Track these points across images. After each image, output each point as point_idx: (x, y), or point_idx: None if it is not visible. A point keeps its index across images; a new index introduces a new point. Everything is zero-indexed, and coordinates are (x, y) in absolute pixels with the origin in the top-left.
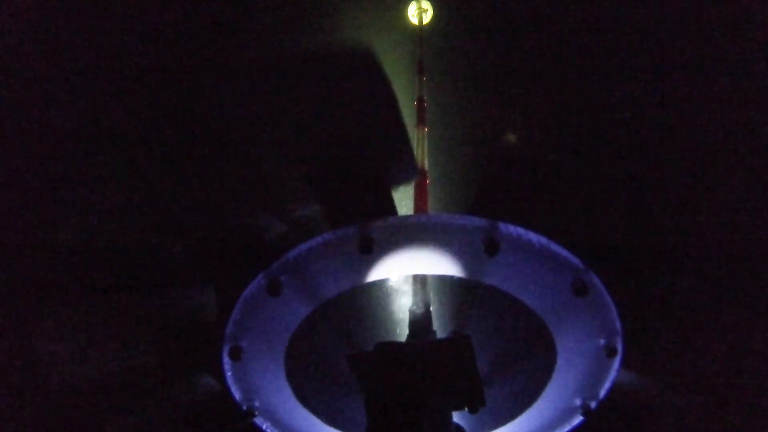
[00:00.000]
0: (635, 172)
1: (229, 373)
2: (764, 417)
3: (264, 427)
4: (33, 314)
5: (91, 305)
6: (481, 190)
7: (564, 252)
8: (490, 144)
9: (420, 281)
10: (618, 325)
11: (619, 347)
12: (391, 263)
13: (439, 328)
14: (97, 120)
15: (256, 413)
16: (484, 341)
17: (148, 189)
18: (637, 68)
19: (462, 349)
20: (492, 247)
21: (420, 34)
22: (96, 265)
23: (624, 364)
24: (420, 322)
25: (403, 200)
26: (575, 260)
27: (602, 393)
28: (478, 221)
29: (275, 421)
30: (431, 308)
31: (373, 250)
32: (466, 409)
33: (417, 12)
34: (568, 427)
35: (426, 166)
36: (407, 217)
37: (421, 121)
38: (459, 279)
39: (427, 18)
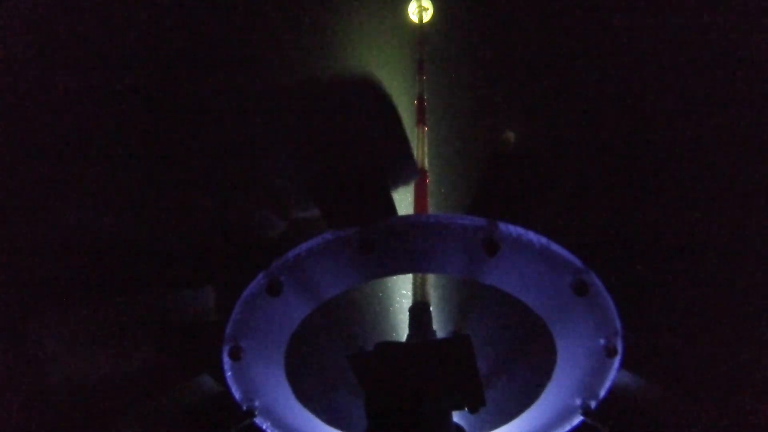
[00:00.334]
0: (636, 171)
1: (229, 373)
2: (764, 416)
3: (264, 427)
4: (31, 313)
5: (90, 304)
6: (480, 190)
7: (564, 252)
8: (490, 144)
9: (420, 281)
10: (618, 325)
11: (619, 347)
12: (391, 263)
13: (439, 328)
14: (96, 118)
15: (256, 413)
16: (484, 341)
17: (147, 187)
18: (639, 68)
19: (462, 349)
20: (492, 246)
21: (420, 32)
22: (94, 264)
23: (624, 363)
24: (420, 322)
25: (403, 200)
26: (575, 260)
27: (602, 393)
28: (477, 221)
29: (275, 421)
30: (431, 308)
31: (373, 250)
32: (466, 409)
33: (417, 10)
34: (568, 427)
35: (426, 166)
36: (407, 216)
37: (421, 120)
38: (459, 279)
39: (427, 16)
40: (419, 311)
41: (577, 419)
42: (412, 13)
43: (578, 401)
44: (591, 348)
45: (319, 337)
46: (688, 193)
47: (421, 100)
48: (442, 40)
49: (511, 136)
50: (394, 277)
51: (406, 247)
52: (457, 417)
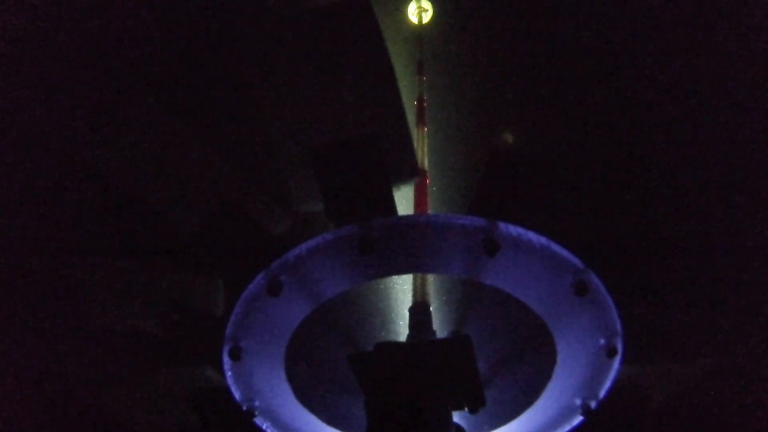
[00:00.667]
0: (636, 172)
1: (229, 373)
2: (764, 416)
3: (264, 427)
4: (76, 268)
5: (121, 265)
6: (480, 190)
7: (564, 252)
8: (490, 144)
9: (420, 281)
10: (618, 325)
11: (619, 347)
12: (391, 263)
13: (439, 328)
14: (98, 116)
15: (256, 413)
16: (484, 341)
17: (163, 174)
18: (638, 68)
19: (462, 349)
20: (492, 246)
21: (420, 33)
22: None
23: (624, 362)
24: (420, 322)
25: (403, 200)
26: (575, 260)
27: (602, 393)
28: (477, 221)
29: (275, 421)
30: (431, 308)
31: (373, 250)
32: (466, 409)
33: (417, 11)
34: (568, 426)
35: (426, 166)
36: (407, 216)
37: (421, 120)
38: (459, 279)
39: (427, 18)
40: (419, 311)
41: (577, 419)
42: (412, 14)
43: (578, 401)
44: (591, 348)
45: (319, 337)
46: (688, 194)
47: (421, 100)
48: (442, 40)
49: (509, 137)
50: (394, 277)
51: (406, 247)
52: (457, 417)
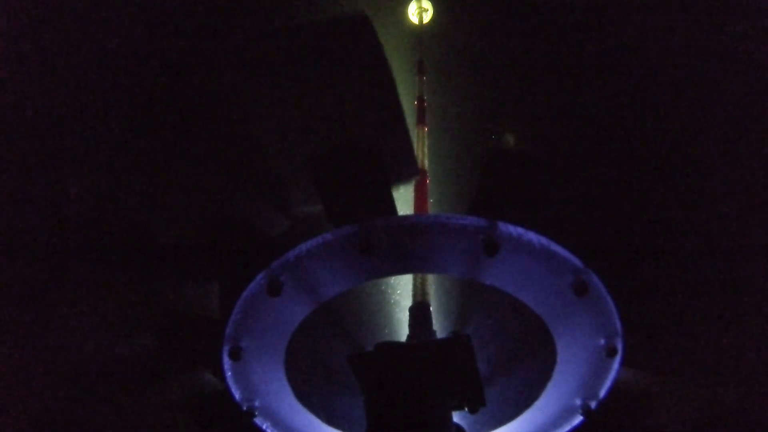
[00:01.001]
0: (635, 172)
1: (229, 373)
2: (764, 414)
3: (264, 427)
4: (54, 294)
5: (102, 288)
6: (480, 190)
7: (564, 252)
8: (490, 144)
9: (420, 281)
10: (618, 325)
11: (619, 347)
12: (391, 263)
13: (439, 328)
14: (100, 115)
15: (256, 413)
16: (484, 341)
17: (150, 184)
18: (637, 68)
19: (462, 349)
20: (492, 246)
21: (420, 33)
22: (100, 256)
23: (624, 362)
24: (420, 322)
25: (404, 200)
26: (575, 260)
27: (602, 393)
28: (477, 221)
29: (275, 421)
30: (431, 308)
31: (373, 250)
32: (466, 409)
33: (417, 11)
34: (568, 426)
35: (426, 166)
36: (407, 216)
37: (421, 120)
38: (459, 279)
39: (427, 17)
40: (419, 311)
41: (577, 419)
42: (412, 14)
43: (578, 401)
44: (591, 348)
45: (319, 338)
46: (688, 195)
47: (421, 100)
48: (442, 40)
49: (510, 139)
50: (394, 277)
51: (407, 247)
52: (457, 417)
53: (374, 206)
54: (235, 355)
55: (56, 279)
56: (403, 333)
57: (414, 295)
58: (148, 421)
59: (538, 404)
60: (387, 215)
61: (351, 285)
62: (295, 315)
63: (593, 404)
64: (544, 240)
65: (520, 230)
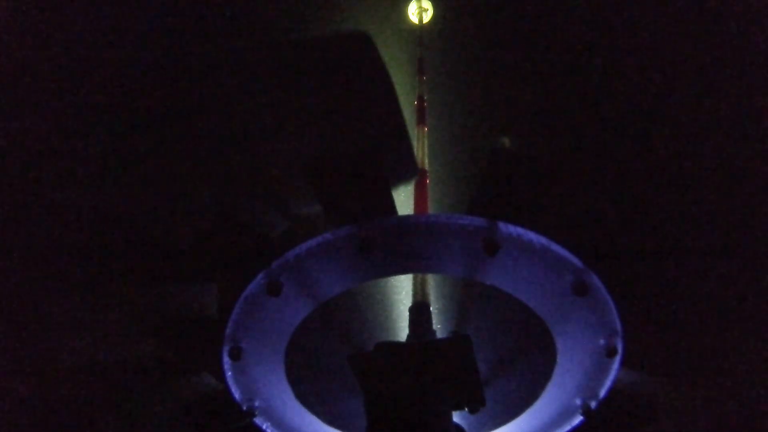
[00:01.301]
0: (635, 171)
1: (229, 373)
2: (764, 414)
3: (264, 427)
4: (44, 302)
5: (98, 296)
6: (480, 190)
7: (564, 252)
8: (490, 144)
9: (420, 281)
10: (618, 325)
11: (619, 347)
12: (391, 263)
13: (439, 328)
14: (101, 117)
15: (256, 413)
16: (484, 341)
17: (150, 186)
18: (638, 68)
19: (462, 349)
20: (492, 246)
21: (420, 33)
22: (99, 258)
23: (624, 362)
24: (420, 322)
25: (403, 200)
26: (575, 260)
27: (602, 393)
28: (477, 221)
29: (275, 421)
30: (431, 308)
31: (373, 250)
32: (466, 409)
33: (417, 11)
34: (568, 426)
35: (426, 166)
36: (407, 216)
37: (421, 120)
38: (459, 279)
39: (427, 17)
40: (419, 311)
41: (577, 419)
42: (412, 14)
43: (578, 401)
44: (591, 348)
45: (319, 338)
46: (688, 194)
47: (421, 100)
48: (442, 40)
49: (506, 141)
50: (394, 277)
51: (406, 247)
52: (457, 417)
53: (374, 206)
54: (234, 355)
55: (54, 280)
56: (403, 333)
57: (414, 295)
58: (147, 421)
59: (538, 404)
60: (387, 215)
61: (351, 285)
62: (294, 315)
63: (593, 404)
64: (544, 240)
65: (520, 230)
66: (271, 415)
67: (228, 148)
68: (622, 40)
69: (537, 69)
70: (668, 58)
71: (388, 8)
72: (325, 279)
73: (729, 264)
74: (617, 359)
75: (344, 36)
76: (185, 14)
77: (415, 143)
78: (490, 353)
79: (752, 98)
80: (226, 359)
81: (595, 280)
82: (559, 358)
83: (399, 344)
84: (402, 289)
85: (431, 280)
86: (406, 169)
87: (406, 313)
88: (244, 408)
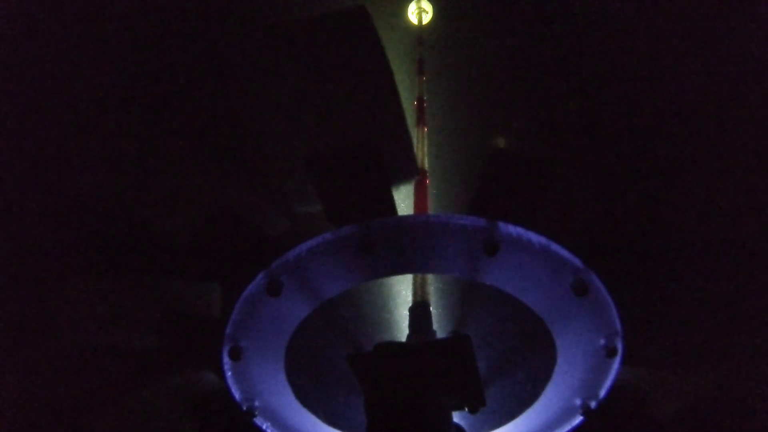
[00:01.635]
0: (635, 171)
1: (229, 373)
2: (763, 413)
3: (264, 427)
4: (58, 285)
5: (101, 288)
6: (480, 190)
7: (564, 252)
8: (490, 144)
9: (420, 281)
10: (618, 325)
11: (619, 347)
12: (391, 263)
13: (439, 328)
14: (102, 117)
15: (256, 413)
16: (484, 341)
17: (150, 183)
18: (638, 68)
19: (462, 349)
20: (492, 246)
21: (420, 33)
22: (98, 253)
23: (624, 362)
24: (420, 322)
25: (403, 200)
26: (575, 260)
27: (602, 393)
28: (477, 221)
29: (275, 421)
30: (431, 308)
31: (373, 250)
32: (466, 409)
33: (417, 12)
34: (568, 426)
35: (426, 166)
36: (407, 216)
37: (421, 120)
38: (459, 279)
39: (426, 18)
40: (419, 311)
41: (577, 419)
42: (412, 14)
43: (578, 401)
44: (591, 348)
45: (319, 337)
46: (688, 194)
47: (421, 100)
48: (442, 41)
49: (501, 141)
50: (394, 277)
51: (406, 247)
52: (457, 417)
53: (374, 206)
54: (235, 355)
55: (54, 277)
56: (403, 333)
57: (414, 295)
58: (147, 420)
59: (538, 404)
60: (387, 215)
61: (351, 285)
62: (294, 315)
63: (593, 404)
64: (544, 240)
65: (520, 230)
66: (271, 415)
67: (228, 146)
68: (623, 40)
69: (537, 69)
70: (668, 59)
71: (387, 8)
72: (325, 279)
73: (729, 264)
74: (617, 359)
75: (341, 14)
76: (183, 8)
77: (415, 143)
78: (490, 353)
79: (754, 97)
80: (226, 359)
81: (595, 280)
82: (559, 358)
83: (399, 344)
84: (402, 289)
85: (431, 280)
86: (406, 169)
87: (406, 313)
88: (244, 408)
